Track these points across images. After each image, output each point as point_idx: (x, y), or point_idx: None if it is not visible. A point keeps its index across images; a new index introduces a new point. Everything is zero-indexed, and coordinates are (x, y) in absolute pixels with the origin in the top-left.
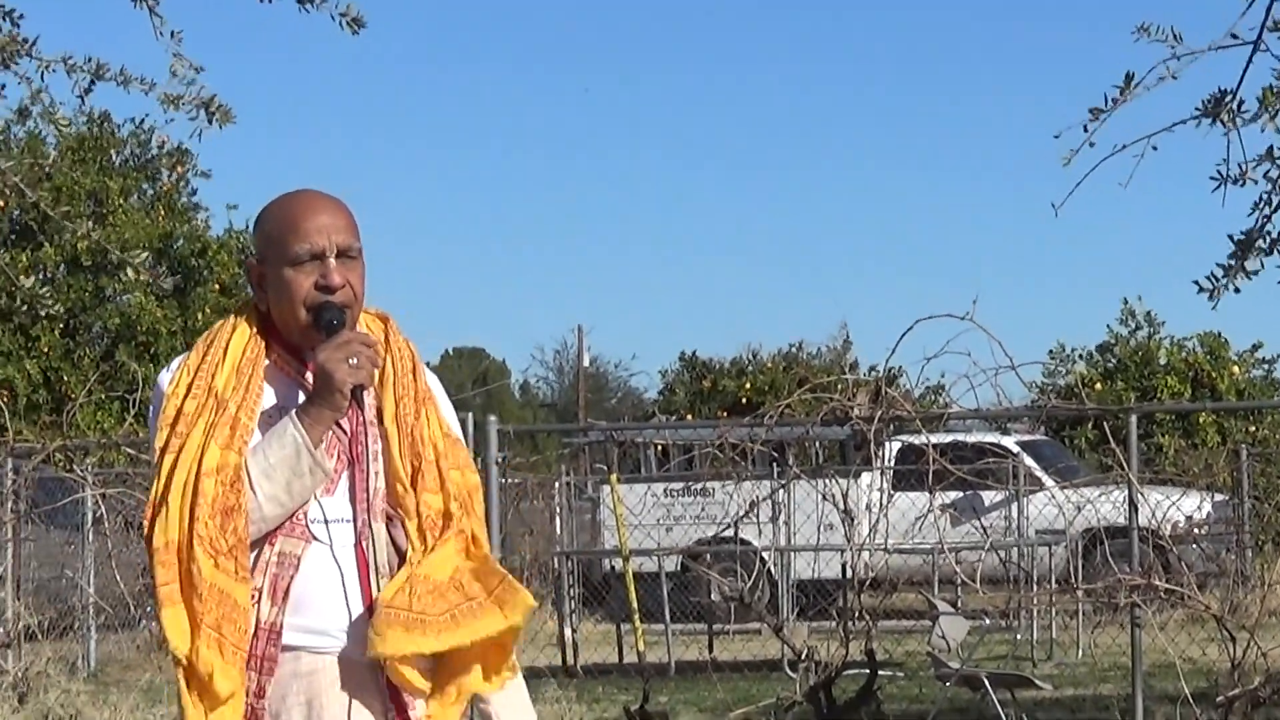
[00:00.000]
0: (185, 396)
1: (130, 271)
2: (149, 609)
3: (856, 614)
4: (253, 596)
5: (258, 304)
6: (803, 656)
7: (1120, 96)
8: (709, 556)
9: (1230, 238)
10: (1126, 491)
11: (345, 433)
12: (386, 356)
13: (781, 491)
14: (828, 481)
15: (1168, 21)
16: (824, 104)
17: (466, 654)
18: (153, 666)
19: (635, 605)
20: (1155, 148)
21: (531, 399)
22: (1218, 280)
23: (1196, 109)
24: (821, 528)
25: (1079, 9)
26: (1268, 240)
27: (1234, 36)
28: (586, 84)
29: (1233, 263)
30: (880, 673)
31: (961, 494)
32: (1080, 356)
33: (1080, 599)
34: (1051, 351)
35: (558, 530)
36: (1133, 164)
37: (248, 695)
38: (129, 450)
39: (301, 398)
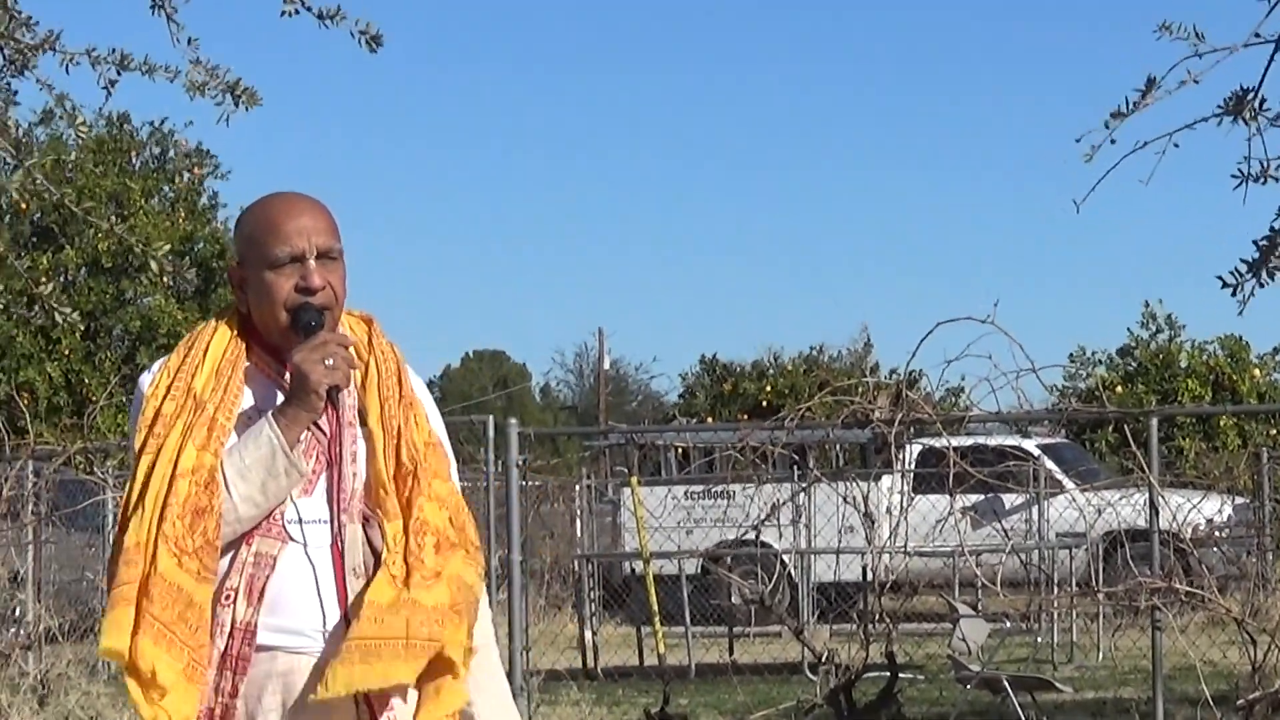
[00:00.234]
0: (164, 398)
1: (154, 265)
2: None
3: (877, 617)
4: (228, 596)
5: (239, 306)
6: (823, 659)
7: (1141, 99)
8: (729, 559)
9: (1255, 243)
10: (1147, 494)
11: (324, 434)
12: (370, 358)
13: (802, 494)
14: (848, 484)
15: (1187, 20)
16: (846, 107)
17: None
18: None
19: (656, 608)
20: (1177, 145)
21: (552, 402)
22: (1242, 275)
23: (1218, 107)
24: (842, 530)
25: (1100, 9)
26: None
27: (1257, 35)
28: (611, 86)
29: (1258, 258)
30: (901, 675)
31: (982, 497)
32: (1101, 360)
33: (1101, 602)
34: (1072, 355)
35: (578, 533)
36: (1154, 161)
37: (221, 694)
38: None
39: (281, 399)
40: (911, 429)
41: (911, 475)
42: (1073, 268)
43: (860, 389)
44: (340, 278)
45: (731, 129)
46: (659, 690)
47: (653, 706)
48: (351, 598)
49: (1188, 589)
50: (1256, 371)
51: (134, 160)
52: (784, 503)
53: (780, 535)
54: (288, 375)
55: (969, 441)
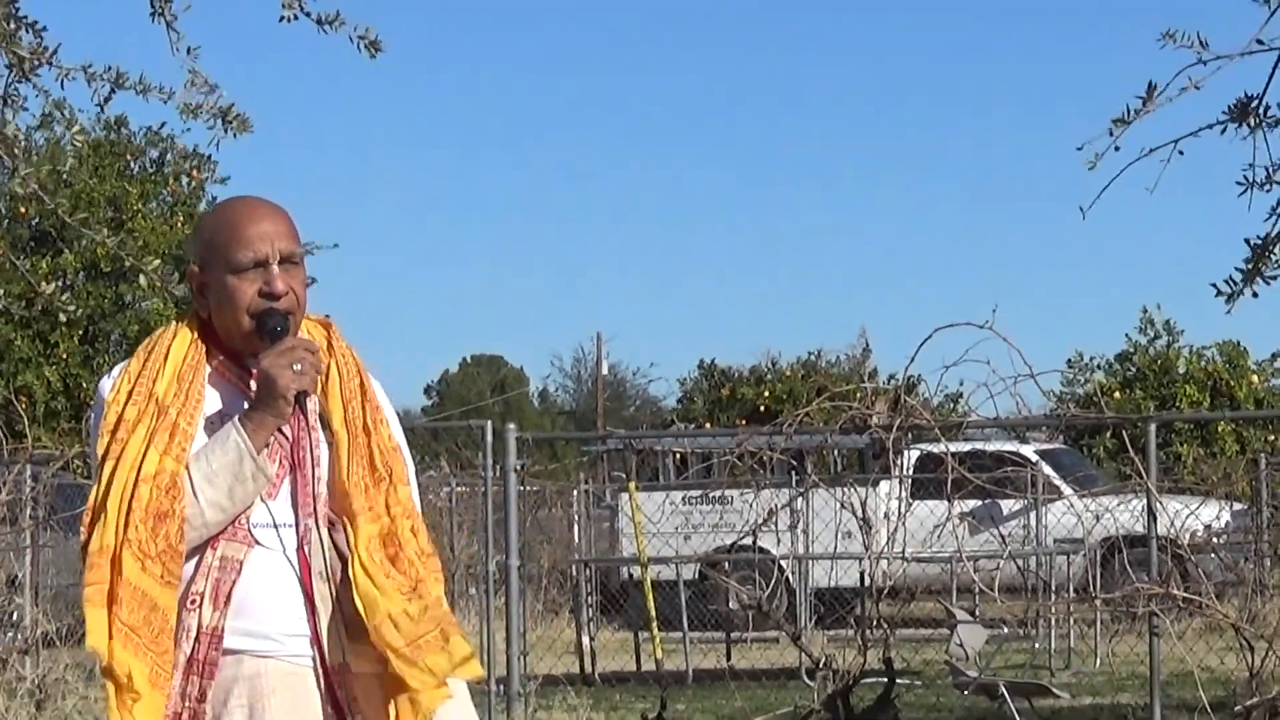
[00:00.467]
0: (126, 403)
1: (143, 280)
2: None
3: (874, 622)
4: (194, 601)
5: (198, 310)
6: (821, 665)
7: (1144, 107)
8: (727, 564)
9: (1247, 241)
10: (1145, 500)
11: (287, 438)
12: (330, 361)
13: (800, 500)
14: (846, 490)
15: (1189, 26)
16: (845, 113)
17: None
18: None
19: (653, 613)
20: (1182, 153)
21: (550, 407)
22: (1236, 285)
23: (1223, 114)
24: (840, 536)
25: (1104, 16)
26: None
27: (1260, 42)
28: (609, 91)
29: (1251, 266)
30: (898, 681)
31: (980, 502)
32: (1099, 365)
33: (1098, 608)
34: (1070, 360)
35: (576, 538)
36: (1159, 168)
37: (188, 699)
38: None
39: (244, 404)
40: (909, 434)
41: (909, 481)
42: (1070, 273)
43: (858, 394)
44: (301, 282)
45: (731, 133)
46: (656, 696)
47: (650, 712)
48: (319, 601)
49: (1185, 595)
50: (1254, 377)
51: (131, 165)
52: (782, 508)
53: (778, 541)
54: (251, 380)
55: (967, 447)
